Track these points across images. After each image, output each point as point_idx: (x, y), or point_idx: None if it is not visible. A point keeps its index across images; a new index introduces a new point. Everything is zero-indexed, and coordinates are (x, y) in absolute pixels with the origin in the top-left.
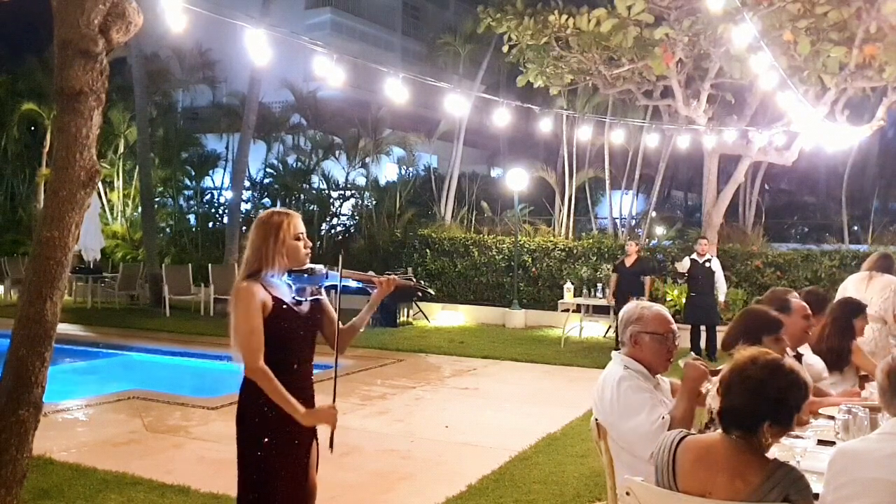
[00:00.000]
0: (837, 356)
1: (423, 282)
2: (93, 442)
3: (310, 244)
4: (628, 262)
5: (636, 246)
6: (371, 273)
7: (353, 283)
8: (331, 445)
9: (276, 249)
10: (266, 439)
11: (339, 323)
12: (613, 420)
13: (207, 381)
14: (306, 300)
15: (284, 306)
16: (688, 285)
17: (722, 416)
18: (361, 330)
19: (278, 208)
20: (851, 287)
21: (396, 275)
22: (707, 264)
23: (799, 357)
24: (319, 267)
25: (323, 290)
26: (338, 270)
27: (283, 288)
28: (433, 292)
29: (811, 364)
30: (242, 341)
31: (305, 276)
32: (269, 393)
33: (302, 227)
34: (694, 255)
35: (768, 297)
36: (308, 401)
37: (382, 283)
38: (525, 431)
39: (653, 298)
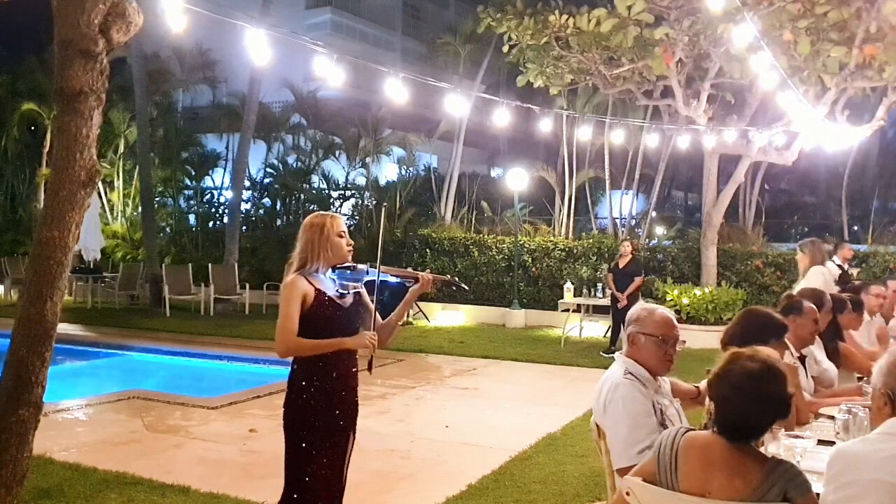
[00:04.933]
0: (829, 352)
1: (456, 278)
2: (93, 442)
3: (352, 242)
4: (622, 262)
5: (630, 247)
6: (409, 269)
7: (392, 279)
8: (369, 368)
9: (321, 245)
10: (310, 427)
11: (378, 316)
12: (604, 422)
13: (207, 381)
14: (350, 293)
15: (326, 298)
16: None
17: (732, 431)
18: (400, 323)
19: (322, 212)
20: (821, 281)
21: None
22: (849, 272)
23: (802, 359)
24: (361, 265)
25: (363, 286)
26: (378, 267)
27: (327, 282)
28: (466, 287)
29: (826, 370)
30: (277, 326)
31: (348, 272)
32: (310, 352)
33: (344, 227)
34: (838, 261)
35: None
36: (351, 391)
37: (422, 278)
38: (525, 431)
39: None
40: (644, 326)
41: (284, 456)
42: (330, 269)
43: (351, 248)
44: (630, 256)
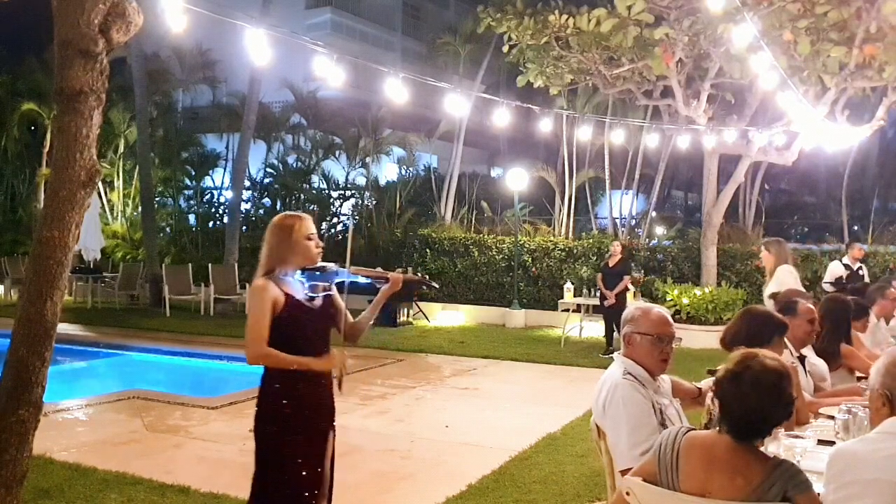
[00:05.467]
0: (828, 357)
1: (426, 276)
2: (93, 442)
3: (321, 244)
4: (612, 262)
5: (620, 247)
6: (379, 269)
7: (362, 280)
8: (339, 386)
9: (290, 249)
10: (285, 432)
11: (349, 315)
12: (604, 423)
13: (207, 381)
14: (319, 296)
15: (296, 302)
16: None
17: (744, 428)
18: (371, 322)
19: (290, 212)
20: (792, 280)
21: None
22: (860, 272)
23: (802, 359)
24: (331, 265)
25: (334, 287)
26: (348, 268)
27: (296, 285)
28: (437, 285)
29: (815, 364)
30: (247, 331)
31: (318, 273)
32: (281, 366)
33: (313, 228)
34: (846, 260)
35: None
36: (325, 394)
37: (392, 277)
38: (525, 431)
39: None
40: (639, 326)
41: (256, 462)
42: (298, 272)
43: (320, 249)
44: (619, 256)
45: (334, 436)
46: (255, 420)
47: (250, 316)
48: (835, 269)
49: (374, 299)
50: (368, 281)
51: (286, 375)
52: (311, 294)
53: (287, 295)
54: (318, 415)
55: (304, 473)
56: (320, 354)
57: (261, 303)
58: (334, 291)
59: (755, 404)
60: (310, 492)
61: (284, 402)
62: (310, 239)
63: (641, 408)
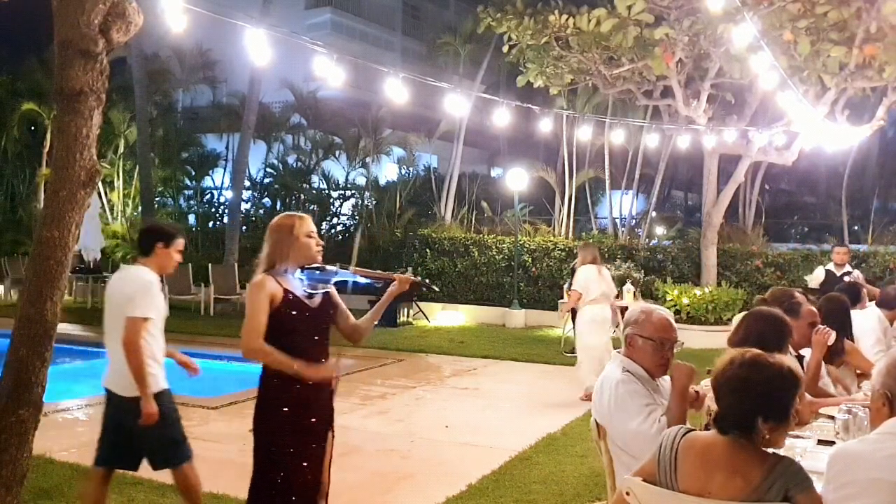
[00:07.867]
0: (831, 355)
1: (427, 279)
2: (93, 442)
3: (321, 243)
4: None
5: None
6: (379, 271)
7: (361, 280)
8: (331, 395)
9: (290, 246)
10: (283, 432)
11: (351, 316)
12: (612, 421)
13: (207, 381)
14: (318, 294)
15: (293, 298)
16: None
17: (718, 421)
18: (375, 322)
19: (291, 212)
20: (594, 282)
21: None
22: (846, 277)
23: (800, 358)
24: (331, 266)
25: (332, 286)
26: (349, 269)
27: (295, 282)
28: (437, 289)
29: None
30: (244, 324)
31: (317, 272)
32: (271, 364)
33: (313, 227)
34: (830, 266)
35: (771, 295)
36: (323, 395)
37: (399, 279)
38: (525, 431)
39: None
40: (642, 329)
41: (254, 459)
42: (298, 270)
43: (320, 248)
44: None
45: (333, 437)
46: (254, 420)
47: (248, 309)
48: (817, 276)
49: (378, 300)
50: (368, 281)
51: (283, 375)
52: (310, 291)
53: (286, 291)
54: (316, 415)
55: (302, 473)
56: (320, 352)
57: (259, 297)
58: (332, 290)
59: (726, 395)
60: (309, 492)
61: (281, 402)
62: (310, 237)
63: (646, 397)
